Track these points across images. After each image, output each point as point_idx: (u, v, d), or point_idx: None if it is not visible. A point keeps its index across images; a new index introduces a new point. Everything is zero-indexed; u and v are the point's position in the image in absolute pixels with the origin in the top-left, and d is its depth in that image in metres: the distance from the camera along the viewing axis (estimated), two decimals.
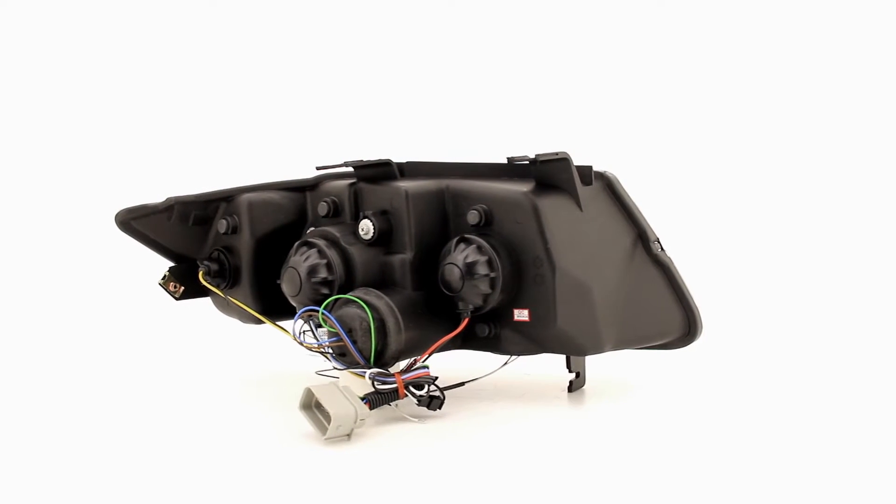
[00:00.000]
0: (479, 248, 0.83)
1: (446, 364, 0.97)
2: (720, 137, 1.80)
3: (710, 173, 1.78)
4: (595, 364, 1.00)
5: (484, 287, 0.83)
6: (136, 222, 0.89)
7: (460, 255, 0.83)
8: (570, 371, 0.93)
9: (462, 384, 0.93)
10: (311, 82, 1.66)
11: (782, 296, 1.45)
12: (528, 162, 0.86)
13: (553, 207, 0.84)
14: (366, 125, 1.64)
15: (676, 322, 0.94)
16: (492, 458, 0.74)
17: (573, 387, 0.93)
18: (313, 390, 0.74)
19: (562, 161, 0.84)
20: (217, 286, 0.94)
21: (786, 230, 1.71)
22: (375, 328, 0.80)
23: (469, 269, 0.82)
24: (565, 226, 0.85)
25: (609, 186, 0.91)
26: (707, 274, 1.01)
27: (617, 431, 0.82)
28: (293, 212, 0.93)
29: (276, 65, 1.65)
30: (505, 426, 0.83)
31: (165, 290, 0.94)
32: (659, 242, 0.94)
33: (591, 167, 0.90)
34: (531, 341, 0.86)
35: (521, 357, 0.92)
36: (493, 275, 0.83)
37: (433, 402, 0.82)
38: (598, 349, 0.87)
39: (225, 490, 0.66)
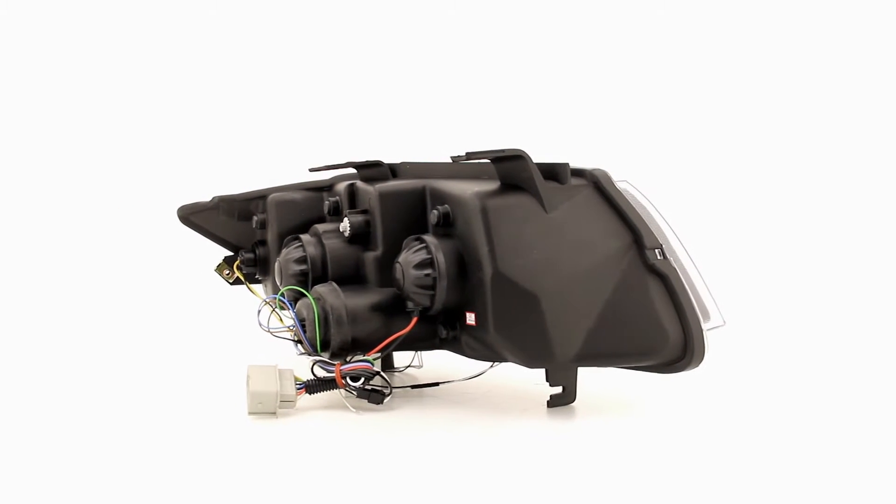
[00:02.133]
0: (426, 248, 0.83)
1: (446, 363, 0.97)
2: (739, 142, 1.80)
3: (729, 178, 1.78)
4: (601, 380, 0.91)
5: (425, 286, 0.82)
6: (194, 217, 1.06)
7: (407, 254, 0.84)
8: (549, 384, 0.86)
9: (436, 384, 0.93)
10: (335, 91, 1.79)
11: (792, 310, 1.35)
12: (464, 160, 0.82)
13: (505, 209, 0.80)
14: (385, 128, 1.72)
15: (669, 342, 0.81)
16: (398, 456, 0.74)
17: (553, 402, 0.86)
18: (249, 369, 0.82)
19: (518, 159, 0.79)
20: (252, 274, 1.07)
21: (796, 236, 1.68)
22: (319, 320, 0.84)
23: (410, 268, 0.82)
24: (519, 228, 0.79)
25: (596, 185, 0.82)
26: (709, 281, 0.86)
27: (559, 454, 0.75)
28: (313, 209, 1.02)
29: (303, 75, 1.79)
30: (438, 428, 0.80)
31: (220, 275, 1.10)
32: (661, 250, 0.83)
33: (566, 164, 0.83)
34: (484, 346, 0.83)
35: (506, 363, 0.89)
36: (433, 274, 0.81)
37: (373, 396, 0.83)
38: (549, 361, 0.79)
39: (119, 446, 0.76)
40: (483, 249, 0.79)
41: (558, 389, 0.85)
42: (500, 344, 0.79)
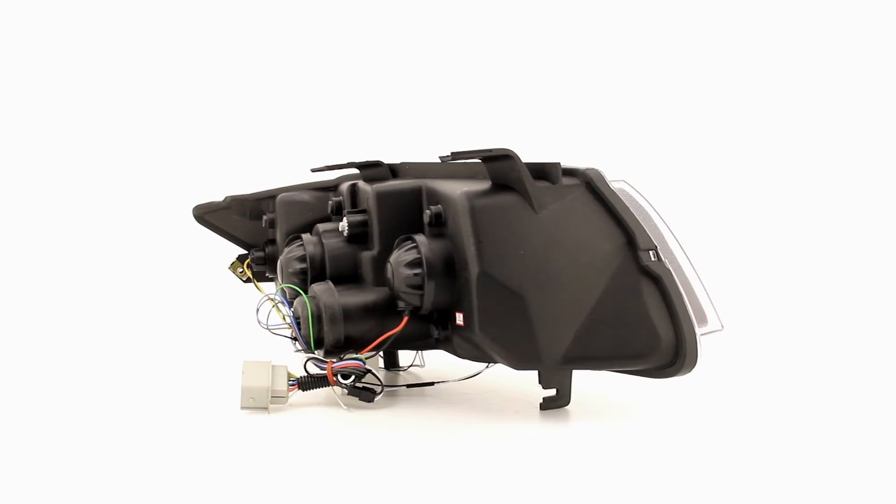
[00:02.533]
0: (416, 248, 0.83)
1: (449, 363, 0.97)
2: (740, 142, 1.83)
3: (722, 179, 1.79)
4: (596, 383, 0.89)
5: (414, 286, 0.82)
6: (208, 216, 1.09)
7: (397, 254, 0.84)
8: (542, 387, 0.85)
9: (431, 384, 0.93)
10: (348, 93, 1.84)
11: (792, 315, 1.30)
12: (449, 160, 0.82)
13: (493, 208, 0.79)
14: (395, 128, 1.76)
15: (660, 346, 0.79)
16: (384, 455, 0.74)
17: (546, 404, 0.85)
18: (243, 364, 0.84)
19: (506, 159, 0.78)
20: (263, 272, 1.09)
21: (799, 238, 1.67)
22: (313, 318, 0.85)
23: (399, 267, 0.82)
24: (506, 228, 0.78)
25: (589, 185, 0.81)
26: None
27: (547, 457, 0.74)
28: (320, 209, 1.04)
29: (317, 78, 1.85)
30: (428, 428, 0.81)
31: (234, 273, 1.12)
32: (655, 251, 0.80)
33: (557, 164, 0.81)
34: (473, 346, 0.82)
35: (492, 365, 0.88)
36: (422, 274, 0.81)
37: (363, 394, 0.84)
38: (536, 363, 0.78)
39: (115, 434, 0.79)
40: (470, 249, 0.79)
41: (552, 392, 0.85)
42: (486, 344, 0.79)
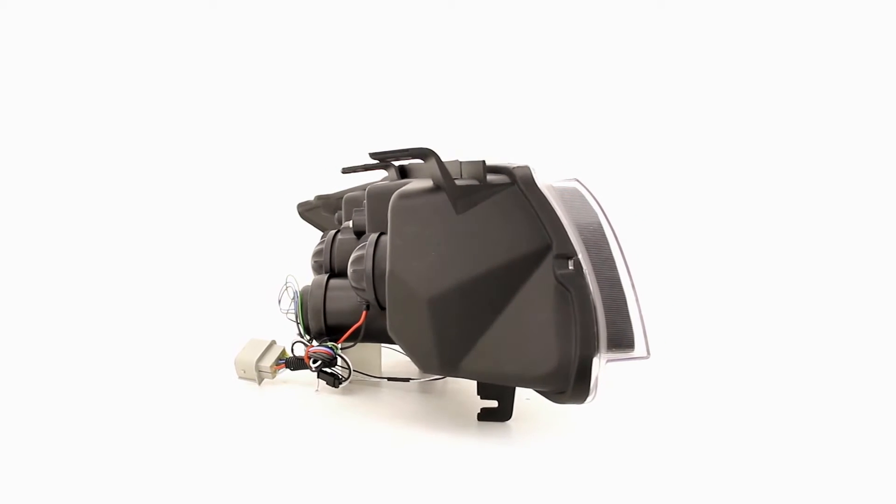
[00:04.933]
0: (366, 245, 0.84)
1: None
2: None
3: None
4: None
5: (362, 281, 0.84)
6: (308, 213, 1.23)
7: (355, 250, 0.86)
8: (480, 397, 0.80)
9: (407, 380, 0.93)
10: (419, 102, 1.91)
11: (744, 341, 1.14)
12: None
13: (411, 209, 0.78)
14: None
15: (551, 369, 0.69)
16: (321, 437, 0.81)
17: (483, 416, 0.80)
18: (248, 341, 0.96)
19: (424, 158, 0.76)
20: None
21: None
22: (302, 308, 0.93)
23: (350, 263, 0.85)
24: (421, 229, 0.77)
25: (517, 184, 0.74)
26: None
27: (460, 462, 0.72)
28: None
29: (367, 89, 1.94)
30: (362, 422, 0.84)
31: None
32: (575, 260, 0.70)
33: (481, 162, 0.76)
34: None
35: None
36: (362, 269, 0.83)
37: (329, 379, 0.89)
38: (431, 369, 0.75)
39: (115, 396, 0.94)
40: (388, 248, 0.79)
41: (494, 403, 0.81)
42: (400, 346, 0.79)
